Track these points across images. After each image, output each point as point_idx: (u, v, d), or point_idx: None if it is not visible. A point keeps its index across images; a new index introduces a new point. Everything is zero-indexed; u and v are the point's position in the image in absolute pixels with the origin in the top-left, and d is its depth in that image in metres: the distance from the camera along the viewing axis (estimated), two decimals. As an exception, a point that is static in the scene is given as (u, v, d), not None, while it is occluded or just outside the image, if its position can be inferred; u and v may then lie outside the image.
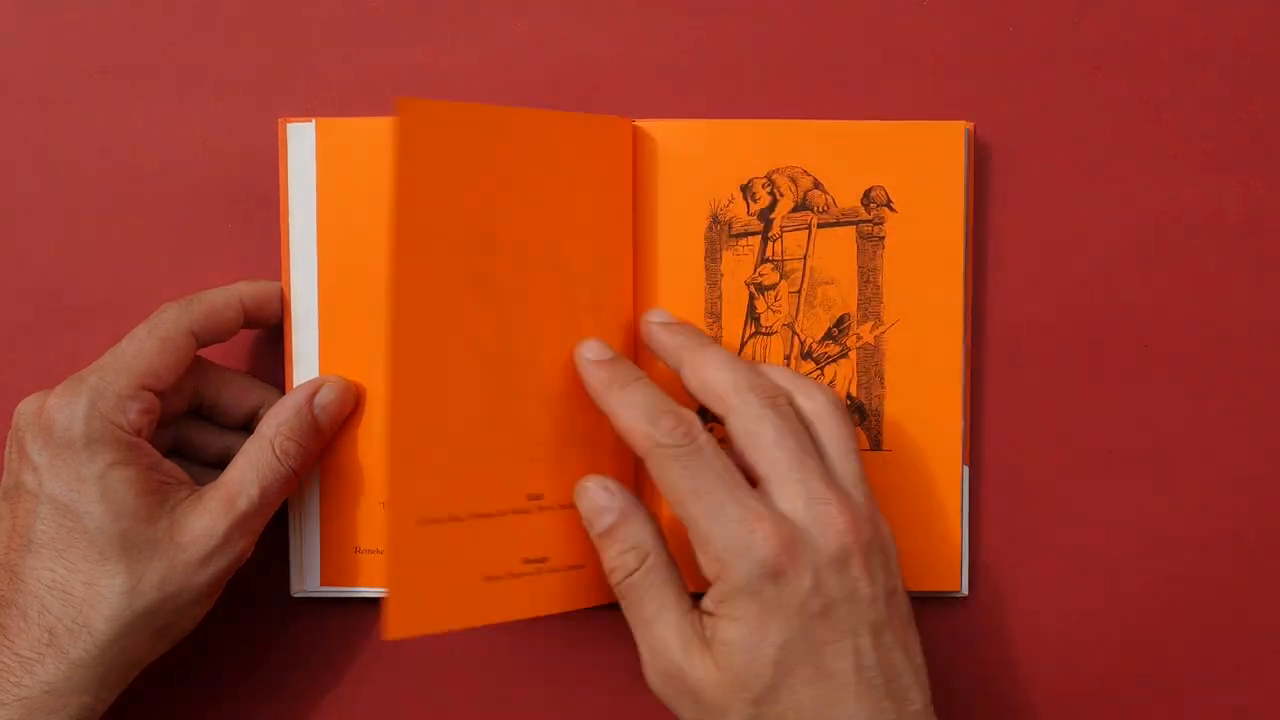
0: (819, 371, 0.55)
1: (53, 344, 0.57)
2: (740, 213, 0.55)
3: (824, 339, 0.55)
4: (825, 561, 0.46)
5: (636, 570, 0.48)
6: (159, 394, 0.50)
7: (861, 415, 0.55)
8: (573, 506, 0.50)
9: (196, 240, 0.57)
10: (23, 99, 0.57)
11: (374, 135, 0.53)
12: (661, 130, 0.54)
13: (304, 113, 0.55)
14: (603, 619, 0.57)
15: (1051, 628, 0.57)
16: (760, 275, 0.55)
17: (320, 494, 0.55)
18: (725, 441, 0.48)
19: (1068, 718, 0.57)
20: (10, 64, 0.57)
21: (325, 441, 0.53)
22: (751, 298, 0.55)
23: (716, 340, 0.55)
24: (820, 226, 0.55)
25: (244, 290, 0.53)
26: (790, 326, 0.55)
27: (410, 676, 0.57)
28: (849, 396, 0.55)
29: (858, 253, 0.55)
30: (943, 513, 0.56)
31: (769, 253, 0.55)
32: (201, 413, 0.54)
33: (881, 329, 0.55)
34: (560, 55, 0.57)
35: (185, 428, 0.54)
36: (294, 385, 0.54)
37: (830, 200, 0.54)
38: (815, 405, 0.49)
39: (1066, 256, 0.57)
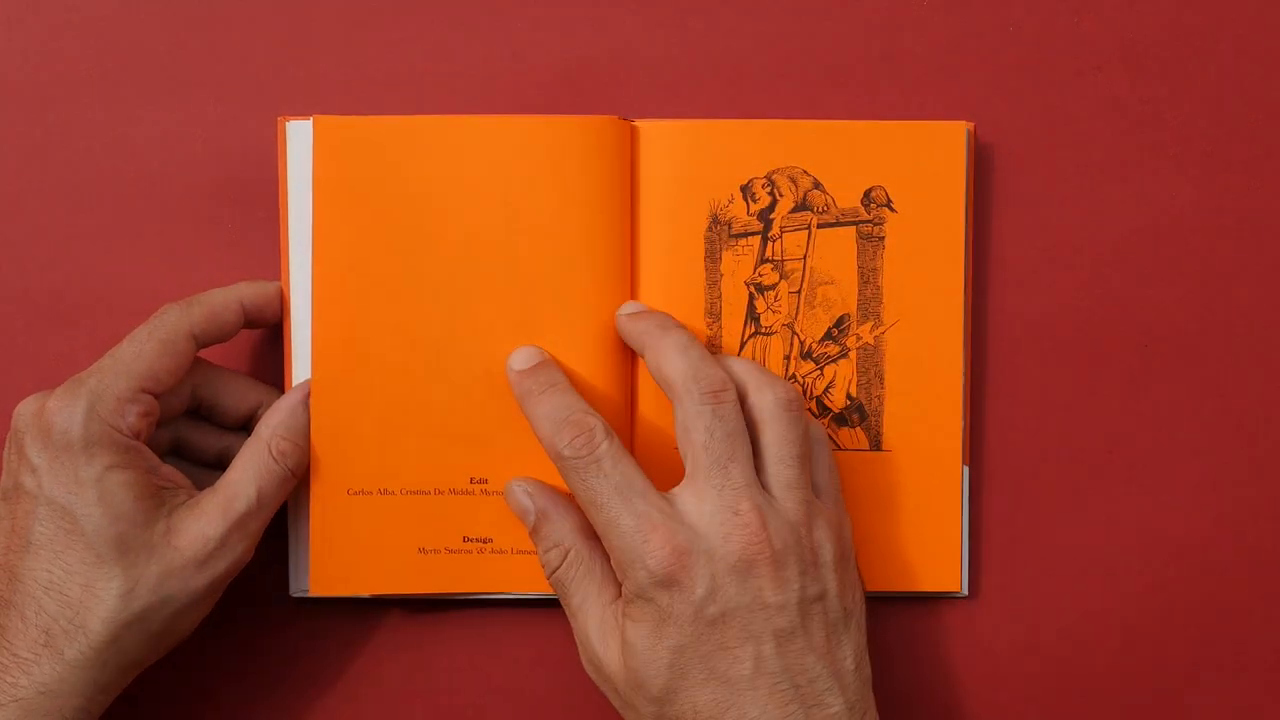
0: (819, 372, 0.55)
1: (53, 344, 0.57)
2: (740, 213, 0.55)
3: (824, 339, 0.55)
4: (724, 569, 0.47)
5: (559, 566, 0.50)
6: (158, 396, 0.50)
7: (861, 415, 0.55)
8: None
9: (196, 240, 0.57)
10: (23, 99, 0.57)
11: (371, 133, 0.53)
12: (661, 130, 0.54)
13: (303, 113, 0.55)
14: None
15: (1051, 628, 0.57)
16: (760, 275, 0.55)
17: (312, 498, 0.55)
18: None
19: (1068, 718, 0.57)
20: (10, 64, 0.57)
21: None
22: (751, 298, 0.55)
23: (717, 338, 0.55)
24: (820, 227, 0.55)
25: (244, 291, 0.53)
26: (790, 326, 0.55)
27: (410, 676, 0.57)
28: (849, 396, 0.55)
29: (858, 253, 0.55)
30: (943, 513, 0.56)
31: (769, 253, 0.55)
32: (201, 413, 0.54)
33: (881, 329, 0.55)
34: (560, 55, 0.56)
35: (184, 428, 0.54)
36: (293, 385, 0.54)
37: (830, 200, 0.54)
38: (765, 404, 0.50)
39: (1066, 256, 0.57)
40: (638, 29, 0.57)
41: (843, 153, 0.54)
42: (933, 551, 0.56)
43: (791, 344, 0.55)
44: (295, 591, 0.55)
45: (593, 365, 0.53)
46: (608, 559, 0.50)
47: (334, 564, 0.54)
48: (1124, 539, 0.57)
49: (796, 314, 0.55)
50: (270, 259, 0.56)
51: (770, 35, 0.56)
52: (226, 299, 0.52)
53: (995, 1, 0.56)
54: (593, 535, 0.50)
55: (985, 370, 0.57)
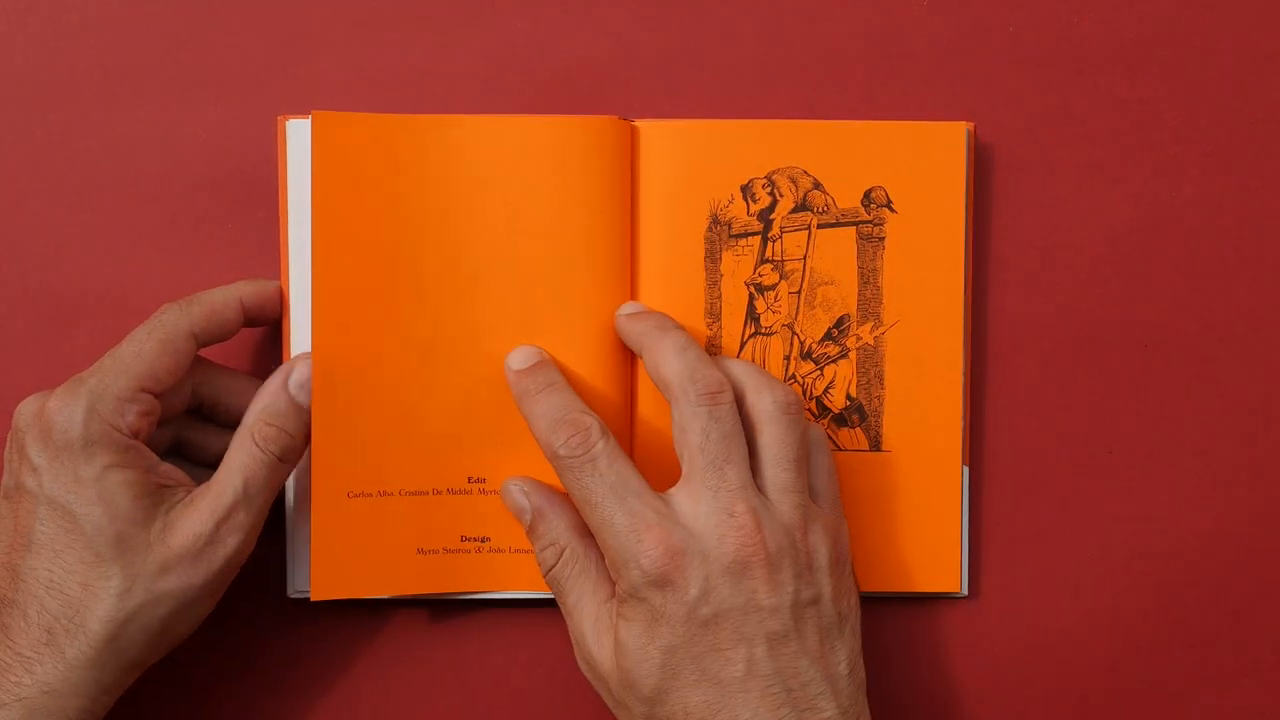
0: (819, 372, 0.55)
1: (53, 344, 0.57)
2: (740, 213, 0.55)
3: (824, 339, 0.55)
4: (718, 571, 0.47)
5: (555, 565, 0.51)
6: (158, 395, 0.50)
7: (861, 415, 0.55)
8: None
9: (196, 240, 0.57)
10: (23, 99, 0.57)
11: (370, 131, 0.53)
12: (661, 130, 0.54)
13: (304, 111, 0.55)
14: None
15: (1051, 628, 0.57)
16: (760, 275, 0.55)
17: (313, 493, 0.55)
18: None
19: (1068, 718, 0.57)
20: (10, 64, 0.57)
21: (307, 422, 0.52)
22: (751, 298, 0.55)
23: (716, 339, 0.55)
24: (820, 227, 0.55)
25: (244, 290, 0.53)
26: (790, 327, 0.55)
27: (409, 676, 0.57)
28: (849, 397, 0.55)
29: (858, 253, 0.55)
30: (943, 513, 0.56)
31: (769, 253, 0.55)
32: (202, 412, 0.54)
33: (881, 329, 0.55)
34: (560, 55, 0.56)
35: (185, 427, 0.54)
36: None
37: (830, 201, 0.54)
38: (763, 405, 0.50)
39: (1066, 256, 0.57)
40: (638, 29, 0.57)
41: (843, 153, 0.54)
42: (932, 551, 0.56)
43: (791, 344, 0.55)
44: (294, 592, 0.55)
45: (592, 365, 0.53)
46: (603, 558, 0.50)
47: (334, 568, 0.54)
48: (1124, 539, 0.57)
49: (796, 314, 0.55)
50: (270, 258, 0.56)
51: (770, 35, 0.56)
52: (226, 298, 0.52)
53: (995, 1, 0.56)
54: (588, 534, 0.50)
55: (985, 370, 0.57)
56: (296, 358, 0.53)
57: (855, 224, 0.55)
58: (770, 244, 0.55)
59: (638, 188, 0.54)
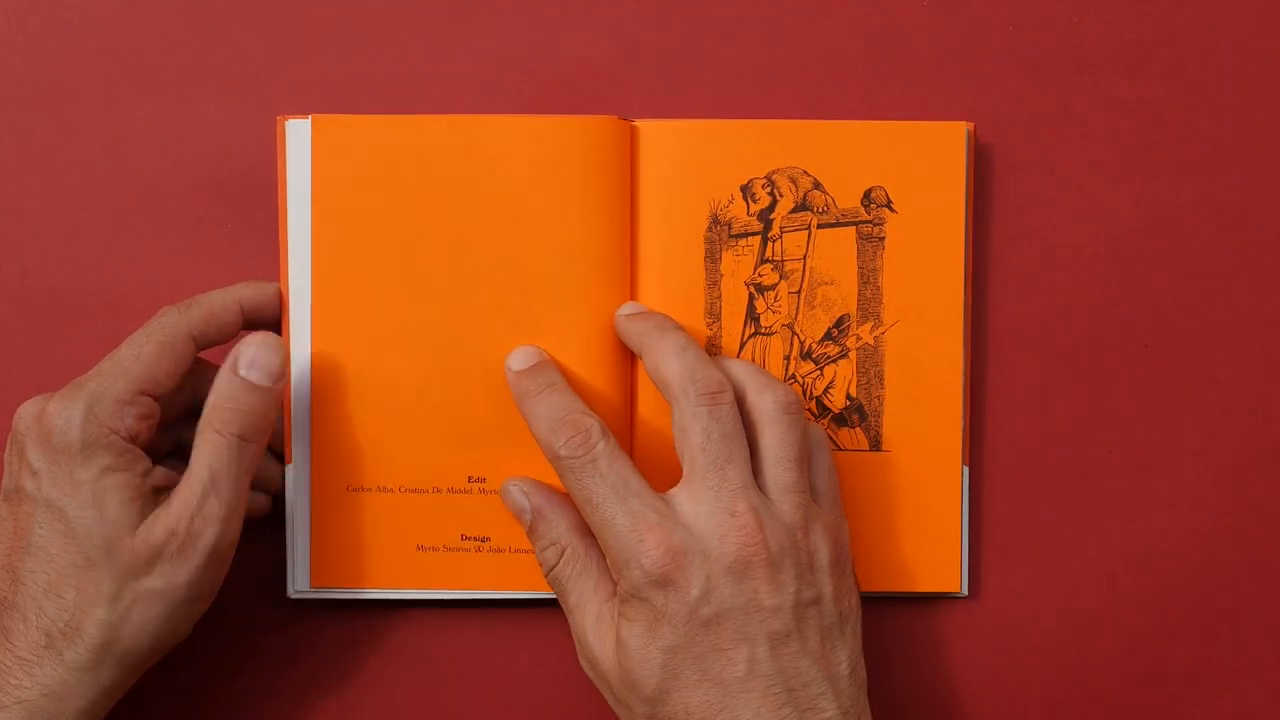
0: (819, 372, 0.55)
1: (53, 344, 0.57)
2: (740, 213, 0.55)
3: (824, 339, 0.55)
4: (719, 570, 0.47)
5: (556, 565, 0.51)
6: (157, 398, 0.50)
7: (861, 415, 0.55)
8: None
9: (196, 240, 0.57)
10: (23, 99, 0.57)
11: (370, 132, 0.53)
12: (661, 130, 0.54)
13: (303, 111, 0.55)
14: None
15: (1051, 628, 0.57)
16: (760, 275, 0.55)
17: (312, 494, 0.55)
18: None
19: (1068, 718, 0.57)
20: (10, 64, 0.57)
21: (270, 400, 0.50)
22: (751, 298, 0.55)
23: (716, 339, 0.55)
24: (820, 227, 0.55)
25: (243, 292, 0.53)
26: (790, 327, 0.55)
27: (408, 676, 0.57)
28: (849, 397, 0.55)
29: (858, 253, 0.55)
30: (943, 513, 0.56)
31: (769, 253, 0.55)
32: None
33: (881, 329, 0.55)
34: (560, 55, 0.56)
35: (185, 430, 0.54)
36: (292, 384, 0.54)
37: (830, 201, 0.54)
38: (764, 405, 0.50)
39: (1066, 256, 0.57)
40: (638, 29, 0.57)
41: (843, 153, 0.54)
42: (933, 551, 0.56)
43: (791, 344, 0.55)
44: (293, 592, 0.55)
45: (592, 365, 0.53)
46: (604, 558, 0.50)
47: (333, 559, 0.54)
48: (1124, 539, 0.57)
49: (796, 314, 0.55)
50: (269, 259, 0.56)
51: (770, 35, 0.56)
52: (225, 300, 0.52)
53: (995, 1, 0.56)
54: (589, 534, 0.51)
55: (985, 370, 0.57)
56: (246, 339, 0.50)
57: (855, 224, 0.55)
58: (770, 244, 0.55)
59: (638, 188, 0.54)
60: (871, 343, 0.55)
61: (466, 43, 0.56)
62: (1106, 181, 0.57)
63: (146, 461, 0.50)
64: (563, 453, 0.49)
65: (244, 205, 0.56)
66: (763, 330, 0.55)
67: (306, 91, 0.56)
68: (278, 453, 0.55)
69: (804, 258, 0.55)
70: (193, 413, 0.54)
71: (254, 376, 0.50)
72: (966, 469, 0.56)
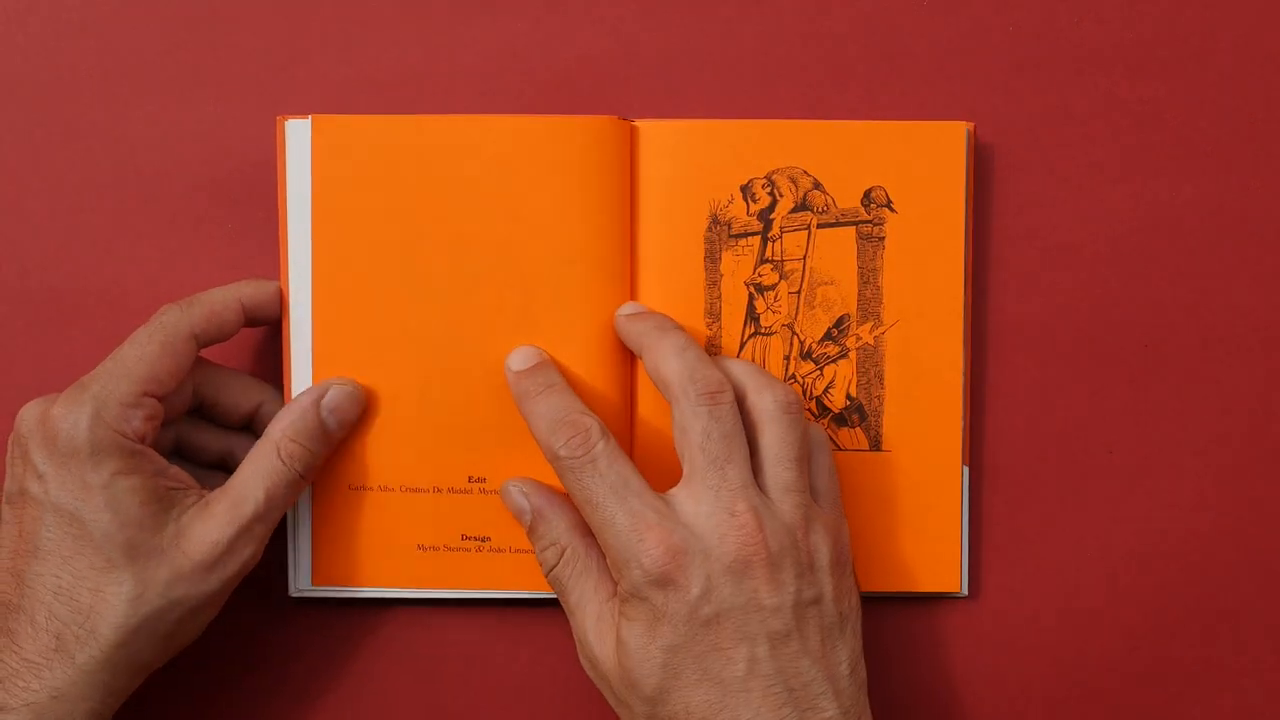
0: (819, 372, 0.55)
1: (53, 344, 0.57)
2: (740, 213, 0.55)
3: (824, 339, 0.55)
4: (720, 570, 0.47)
5: (556, 565, 0.51)
6: (161, 398, 0.50)
7: (861, 415, 0.55)
8: None
9: (196, 240, 0.57)
10: (23, 99, 0.57)
11: (370, 132, 0.53)
12: (661, 130, 0.54)
13: (303, 111, 0.55)
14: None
15: (1051, 628, 0.57)
16: (760, 275, 0.55)
17: (314, 493, 0.55)
18: None
19: (1068, 718, 0.57)
20: (10, 64, 0.57)
21: (333, 445, 0.53)
22: (751, 298, 0.55)
23: (716, 339, 0.55)
24: (820, 227, 0.55)
25: (244, 290, 0.53)
26: (790, 327, 0.55)
27: (409, 675, 0.57)
28: (849, 397, 0.55)
29: (857, 253, 0.55)
30: (943, 513, 0.56)
31: (769, 253, 0.55)
32: (202, 413, 0.54)
33: (881, 329, 0.55)
34: (560, 55, 0.56)
35: (186, 429, 0.54)
36: (292, 384, 0.54)
37: (830, 201, 0.54)
38: (764, 405, 0.50)
39: (1066, 256, 0.57)
40: (638, 29, 0.57)
41: (842, 153, 0.54)
42: (933, 551, 0.56)
43: (791, 344, 0.55)
44: (295, 591, 0.55)
45: (592, 366, 0.53)
46: (604, 558, 0.50)
47: (335, 557, 0.55)
48: (1124, 539, 0.57)
49: (796, 314, 0.55)
50: (270, 258, 0.56)
51: (770, 35, 0.56)
52: (226, 298, 0.52)
53: (995, 1, 0.56)
54: (589, 534, 0.51)
55: (985, 370, 0.57)
56: (330, 381, 0.53)
57: (855, 224, 0.55)
58: (770, 244, 0.55)
59: (637, 188, 0.54)
60: (871, 343, 0.55)
61: (466, 43, 0.56)
62: (1106, 181, 0.57)
63: (160, 461, 0.50)
64: (562, 453, 0.49)
65: (244, 205, 0.56)
66: (763, 330, 0.55)
67: (306, 91, 0.56)
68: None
69: (804, 258, 0.55)
70: (193, 411, 0.54)
71: (331, 422, 0.52)
72: (966, 469, 0.56)
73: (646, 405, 0.55)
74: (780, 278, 0.55)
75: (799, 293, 0.55)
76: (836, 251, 0.55)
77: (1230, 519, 0.57)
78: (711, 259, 0.55)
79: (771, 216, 0.55)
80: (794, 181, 0.54)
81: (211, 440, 0.54)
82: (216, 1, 0.57)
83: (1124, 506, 0.57)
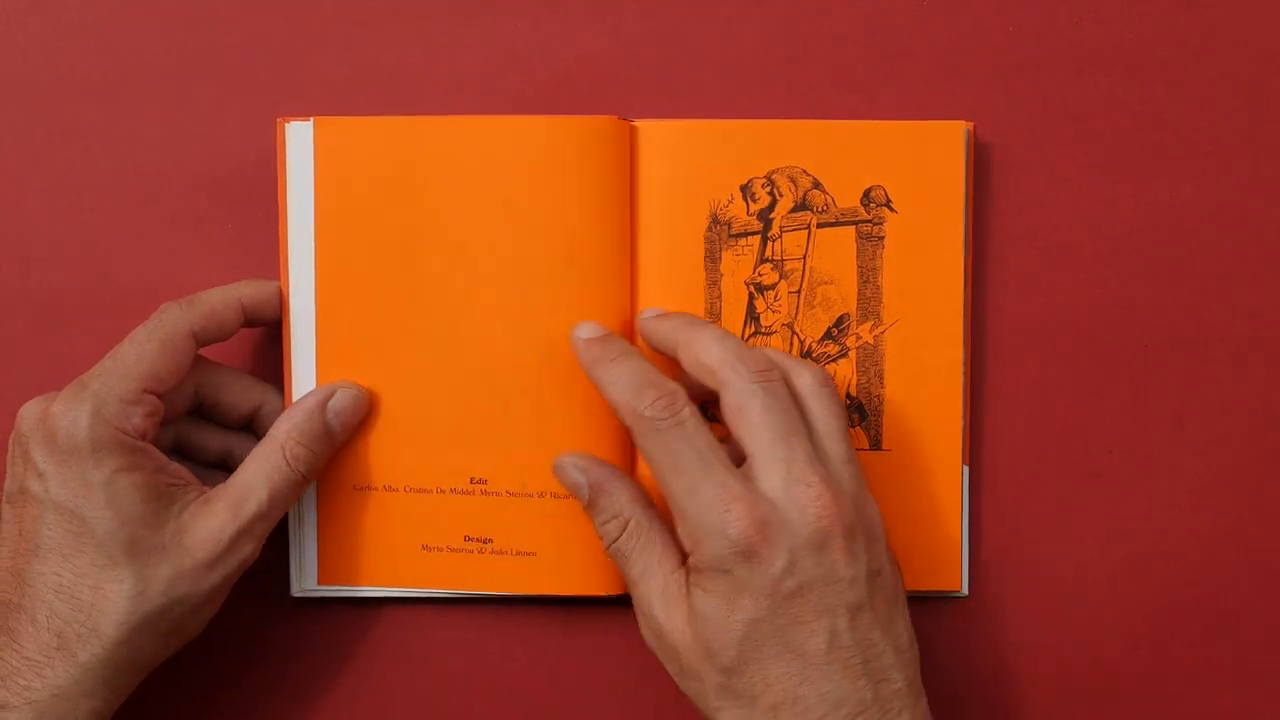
0: (819, 371, 0.55)
1: (53, 344, 0.57)
2: (740, 213, 0.55)
3: (824, 339, 0.55)
4: (802, 543, 0.46)
5: (619, 538, 0.50)
6: (161, 396, 0.50)
7: (861, 415, 0.55)
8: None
9: (196, 240, 0.57)
10: (23, 100, 0.57)
11: (372, 134, 0.53)
12: (661, 130, 0.54)
13: (303, 113, 0.55)
14: (603, 617, 0.57)
15: (1051, 628, 0.57)
16: (760, 275, 0.55)
17: (318, 493, 0.55)
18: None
19: (1068, 718, 0.57)
20: (10, 65, 0.57)
21: (336, 447, 0.54)
22: (751, 298, 0.55)
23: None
24: (820, 226, 0.55)
25: (244, 290, 0.53)
26: (790, 326, 0.55)
27: (410, 676, 0.57)
28: (849, 396, 0.55)
29: (857, 253, 0.55)
30: (943, 513, 0.56)
31: (768, 253, 0.55)
32: (202, 412, 0.54)
33: (881, 329, 0.55)
34: (560, 55, 0.57)
35: (185, 427, 0.54)
36: (293, 384, 0.54)
37: (830, 200, 0.54)
38: (804, 384, 0.49)
39: (1066, 256, 0.57)
40: (638, 29, 0.57)
41: (842, 152, 0.54)
42: (933, 551, 0.56)
43: (791, 344, 0.55)
44: (299, 591, 0.55)
45: (592, 365, 0.53)
46: (665, 528, 0.49)
47: (340, 557, 0.55)
48: (1124, 539, 0.57)
49: (796, 314, 0.55)
50: (270, 259, 0.56)
51: (770, 35, 0.56)
52: (226, 298, 0.52)
53: (995, 1, 0.56)
54: (650, 505, 0.50)
55: (985, 370, 0.57)
56: (336, 383, 0.53)
57: (855, 223, 0.55)
58: (770, 243, 0.55)
59: (637, 188, 0.54)
60: (871, 342, 0.55)
61: (466, 43, 0.57)
62: (1106, 181, 0.57)
63: (161, 458, 0.50)
64: (648, 413, 0.48)
65: (244, 205, 0.56)
66: (763, 330, 0.55)
67: (307, 92, 0.56)
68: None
69: (804, 257, 0.55)
70: (193, 410, 0.54)
71: (336, 425, 0.53)
72: (966, 469, 0.56)
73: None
74: (780, 277, 0.55)
75: (799, 292, 0.55)
76: (836, 251, 0.55)
77: (1230, 519, 0.57)
78: (711, 259, 0.55)
79: (771, 216, 0.55)
80: (794, 181, 0.54)
81: (212, 439, 0.54)
82: (216, 2, 0.57)
83: (1124, 506, 0.57)
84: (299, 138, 0.54)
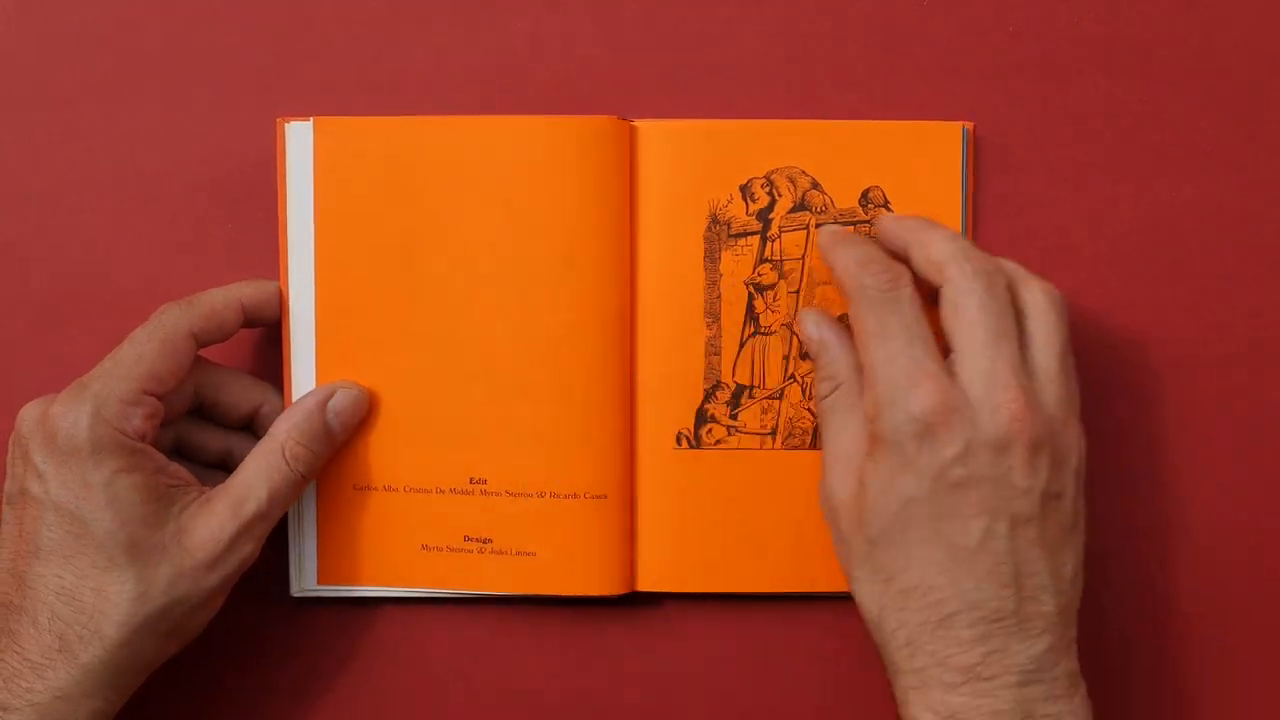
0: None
1: (53, 344, 0.57)
2: (739, 213, 0.55)
3: (823, 339, 0.55)
4: (983, 439, 0.46)
5: (829, 396, 0.51)
6: (160, 397, 0.50)
7: (861, 415, 0.55)
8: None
9: (196, 240, 0.57)
10: (23, 99, 0.57)
11: (372, 134, 0.53)
12: (661, 130, 0.54)
13: (303, 113, 0.55)
14: (603, 617, 0.57)
15: (1051, 628, 0.57)
16: (759, 275, 0.55)
17: (318, 493, 0.55)
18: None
19: (1067, 718, 0.57)
20: (11, 65, 0.57)
21: (336, 447, 0.54)
22: (750, 297, 0.55)
23: (716, 339, 0.55)
24: (819, 227, 0.55)
25: (243, 291, 0.53)
26: (789, 326, 0.55)
27: (410, 676, 0.57)
28: (848, 396, 0.55)
29: (856, 253, 0.55)
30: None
31: (768, 253, 0.55)
32: (202, 413, 0.54)
33: (880, 329, 0.55)
34: (560, 55, 0.57)
35: (186, 428, 0.54)
36: (293, 384, 0.54)
37: (828, 200, 0.54)
38: (1034, 297, 0.49)
39: (1066, 256, 0.56)
40: (638, 29, 0.57)
41: (841, 153, 0.54)
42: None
43: (791, 344, 0.55)
44: (299, 591, 0.55)
45: (592, 365, 0.53)
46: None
47: (340, 557, 0.55)
48: (1123, 539, 0.57)
49: (796, 314, 0.55)
50: (269, 259, 0.56)
51: (770, 35, 0.56)
52: (226, 298, 0.52)
53: (995, 1, 0.56)
54: (862, 378, 0.50)
55: (985, 370, 0.56)
56: (336, 383, 0.54)
57: (853, 224, 0.55)
58: (769, 243, 0.55)
59: (637, 188, 0.54)
60: (870, 342, 0.55)
61: (466, 43, 0.57)
62: (1106, 181, 0.56)
63: (160, 459, 0.50)
64: (869, 282, 0.48)
65: (244, 205, 0.56)
66: (762, 330, 0.55)
67: (306, 92, 0.56)
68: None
69: (803, 257, 0.55)
70: (193, 411, 0.54)
71: (336, 425, 0.53)
72: (966, 469, 0.56)
73: (647, 405, 0.55)
74: (779, 277, 0.55)
75: (798, 292, 0.55)
76: (835, 251, 0.55)
77: (1230, 518, 0.57)
78: (711, 258, 0.55)
79: (770, 216, 0.55)
80: (792, 181, 0.54)
81: (211, 440, 0.54)
82: (216, 2, 0.57)
83: (1124, 506, 0.57)
84: (299, 138, 0.54)
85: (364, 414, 0.54)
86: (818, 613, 0.57)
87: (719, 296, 0.55)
